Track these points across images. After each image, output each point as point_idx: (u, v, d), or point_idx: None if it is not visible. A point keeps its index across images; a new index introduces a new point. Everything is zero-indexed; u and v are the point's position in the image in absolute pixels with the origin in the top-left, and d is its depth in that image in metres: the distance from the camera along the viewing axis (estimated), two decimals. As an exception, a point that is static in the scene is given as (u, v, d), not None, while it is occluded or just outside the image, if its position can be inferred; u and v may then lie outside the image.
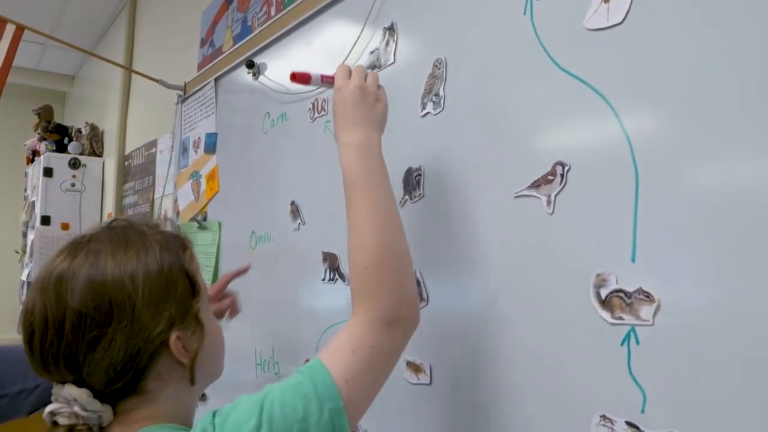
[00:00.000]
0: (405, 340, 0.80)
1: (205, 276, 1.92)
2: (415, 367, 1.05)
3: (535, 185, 0.86)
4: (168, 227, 0.83)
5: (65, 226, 3.37)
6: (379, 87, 0.96)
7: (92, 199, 3.54)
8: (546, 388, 0.83)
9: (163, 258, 0.76)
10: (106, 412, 0.73)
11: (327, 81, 1.03)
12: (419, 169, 1.09)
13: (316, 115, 1.43)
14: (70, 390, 0.72)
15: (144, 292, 0.73)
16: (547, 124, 0.86)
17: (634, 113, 0.75)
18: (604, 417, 0.75)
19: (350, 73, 0.95)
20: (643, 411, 0.71)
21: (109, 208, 3.38)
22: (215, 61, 2.07)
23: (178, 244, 0.81)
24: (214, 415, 0.69)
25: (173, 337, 0.74)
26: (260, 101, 1.71)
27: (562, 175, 0.83)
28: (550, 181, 0.84)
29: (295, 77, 1.03)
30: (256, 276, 1.64)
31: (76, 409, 0.71)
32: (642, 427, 0.71)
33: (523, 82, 0.90)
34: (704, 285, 0.66)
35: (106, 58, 2.76)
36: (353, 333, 0.76)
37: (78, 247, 0.76)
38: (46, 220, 3.36)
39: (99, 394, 0.73)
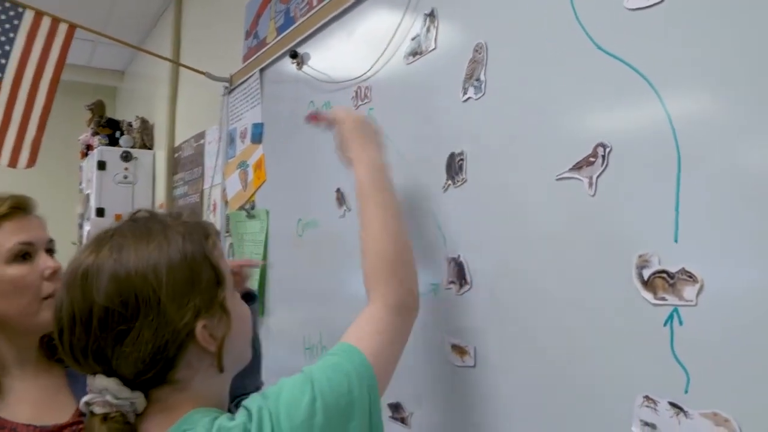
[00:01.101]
0: (410, 326, 0.94)
1: (254, 263, 1.97)
2: (459, 350, 1.07)
3: (577, 167, 0.87)
4: (189, 215, 0.85)
5: (119, 217, 3.46)
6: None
7: (144, 190, 3.64)
8: (589, 369, 0.83)
9: (186, 248, 0.78)
10: (138, 399, 0.75)
11: (311, 119, 1.21)
12: (461, 153, 1.09)
13: (359, 102, 1.44)
14: (101, 380, 0.74)
15: (168, 284, 0.74)
16: (588, 105, 0.86)
17: (677, 93, 0.75)
18: (647, 398, 0.75)
19: (346, 111, 1.14)
20: (686, 391, 0.71)
21: (161, 198, 3.47)
22: (260, 53, 2.10)
23: (201, 232, 0.82)
24: (262, 396, 0.73)
25: (199, 326, 0.75)
26: (304, 91, 1.74)
27: (603, 157, 0.83)
28: (592, 163, 0.84)
29: (314, 118, 1.20)
30: (304, 262, 1.67)
31: (108, 397, 0.74)
32: (685, 408, 0.71)
33: (564, 64, 0.90)
34: (748, 265, 0.66)
35: (154, 53, 2.83)
36: (373, 317, 0.88)
37: (102, 241, 0.78)
38: (100, 212, 3.47)
39: (129, 383, 0.75)
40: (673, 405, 0.72)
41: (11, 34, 2.04)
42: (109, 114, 4.32)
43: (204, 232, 0.82)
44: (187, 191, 3.03)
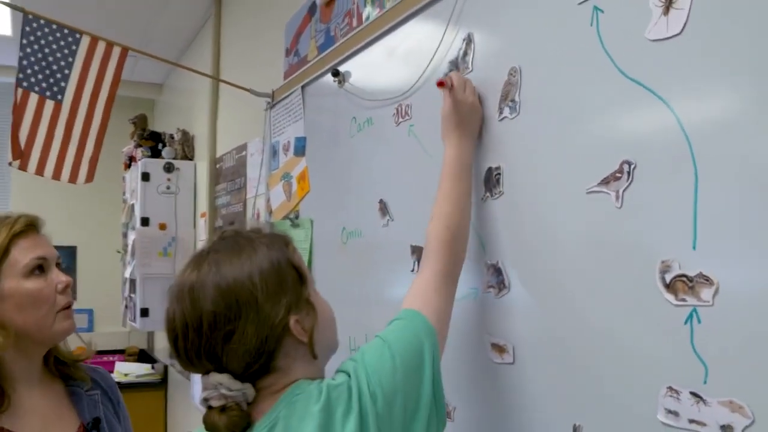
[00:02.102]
0: (455, 293, 1.11)
1: (299, 269, 2.09)
2: (499, 348, 1.17)
3: (605, 182, 0.96)
4: (267, 228, 1.00)
5: (162, 226, 3.63)
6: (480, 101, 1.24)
7: (186, 200, 3.80)
8: (618, 364, 0.93)
9: (272, 256, 0.93)
10: (248, 389, 0.89)
11: (438, 84, 1.21)
12: (498, 168, 1.19)
13: (400, 119, 1.55)
14: (215, 377, 0.88)
15: (263, 287, 0.89)
16: (613, 126, 0.96)
17: (693, 115, 0.84)
18: (670, 388, 0.84)
19: (465, 86, 1.22)
20: (705, 382, 0.80)
21: (202, 208, 3.62)
22: (301, 70, 2.22)
23: (282, 241, 0.97)
24: (352, 360, 0.93)
25: (292, 320, 0.90)
26: (346, 107, 1.85)
27: (628, 173, 0.92)
28: (618, 178, 0.94)
29: (442, 84, 1.21)
30: (349, 269, 1.78)
31: (223, 391, 0.87)
32: (705, 396, 0.80)
33: (591, 88, 1.00)
34: (758, 270, 0.75)
35: (196, 69, 2.97)
36: (432, 280, 1.07)
37: (201, 259, 0.92)
38: (145, 221, 3.63)
39: (239, 377, 0.88)
40: (693, 394, 0.81)
41: (70, 59, 2.19)
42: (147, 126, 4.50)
43: (284, 241, 0.98)
44: (229, 201, 3.16)
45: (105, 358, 4.36)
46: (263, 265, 0.91)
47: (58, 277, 1.22)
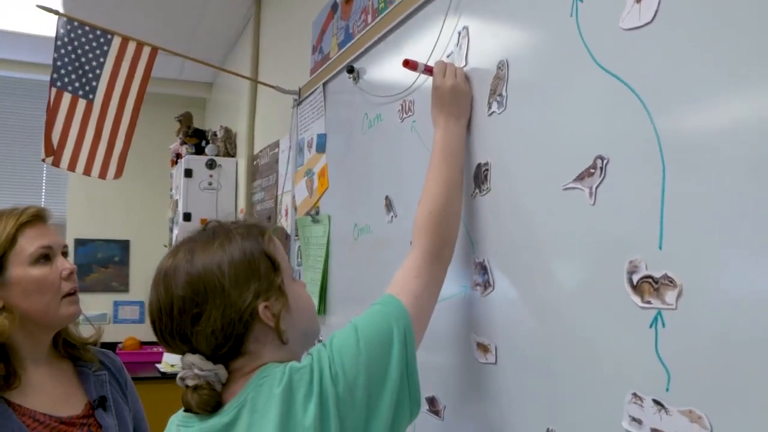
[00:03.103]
0: (444, 274, 1.10)
1: (317, 265, 2.10)
2: (483, 348, 1.14)
3: (580, 178, 0.92)
4: (250, 221, 1.03)
5: (204, 221, 3.69)
6: (467, 80, 1.23)
7: (227, 196, 3.87)
8: (589, 368, 0.89)
9: (245, 245, 0.95)
10: (220, 370, 0.92)
11: (428, 71, 1.28)
12: (487, 164, 1.16)
13: (405, 115, 1.53)
14: (188, 357, 0.92)
15: (230, 274, 0.92)
16: (589, 119, 0.92)
17: (663, 109, 0.79)
18: (635, 395, 0.80)
19: (445, 70, 1.22)
20: (668, 389, 0.76)
21: (242, 204, 3.68)
22: (323, 67, 2.23)
23: (257, 231, 0.99)
24: (321, 344, 0.94)
25: (261, 306, 0.93)
26: (360, 103, 1.84)
27: (601, 168, 0.88)
28: (592, 174, 0.90)
29: (407, 63, 1.29)
30: (359, 264, 1.78)
31: (196, 371, 0.91)
32: (666, 405, 0.76)
33: (570, 81, 0.96)
34: (724, 272, 0.70)
35: (232, 71, 3.02)
36: (414, 263, 1.06)
37: (178, 248, 0.98)
38: (187, 217, 3.72)
39: (211, 358, 0.92)
40: (656, 402, 0.77)
41: (101, 59, 2.25)
42: (198, 124, 4.60)
43: (260, 231, 1.00)
44: (264, 197, 3.20)
45: (153, 349, 4.47)
46: (234, 254, 0.94)
47: (63, 265, 1.27)
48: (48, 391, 1.28)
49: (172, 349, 0.96)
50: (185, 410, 0.95)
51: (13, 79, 5.12)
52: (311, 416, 0.85)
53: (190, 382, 0.91)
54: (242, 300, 0.92)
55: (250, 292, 0.92)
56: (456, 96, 1.20)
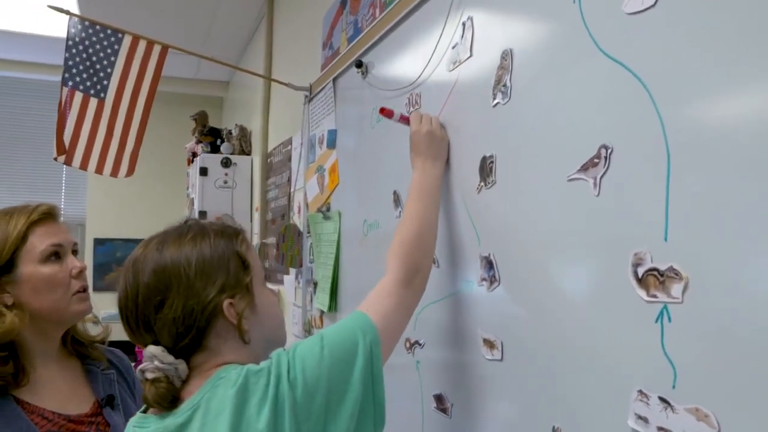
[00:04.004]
0: (415, 300, 1.12)
1: (328, 262, 2.08)
2: (489, 344, 1.11)
3: (584, 168, 0.89)
4: (229, 223, 1.04)
5: (219, 219, 3.71)
6: (442, 127, 1.31)
7: (243, 194, 3.87)
8: (594, 365, 0.86)
9: (217, 243, 0.96)
10: (180, 365, 0.91)
11: (404, 120, 1.37)
12: (492, 156, 1.14)
13: (412, 109, 1.51)
14: (150, 349, 0.91)
15: (197, 266, 0.93)
16: (593, 107, 0.89)
17: (668, 95, 0.76)
18: (640, 392, 0.77)
19: (421, 118, 1.31)
20: (674, 387, 0.73)
21: (257, 202, 3.68)
22: (333, 62, 2.21)
23: (232, 232, 1.00)
24: (283, 350, 0.92)
25: (226, 303, 0.92)
26: (368, 98, 1.82)
27: (605, 158, 0.85)
28: (596, 164, 0.87)
29: (383, 111, 1.39)
30: (369, 260, 1.76)
31: (156, 363, 0.90)
32: (672, 402, 0.73)
33: (573, 68, 0.93)
34: (731, 265, 0.67)
35: (243, 69, 3.01)
36: (385, 286, 1.08)
37: (151, 239, 0.98)
38: (203, 215, 3.73)
39: (172, 351, 0.91)
40: (662, 399, 0.74)
41: (112, 58, 2.25)
42: (216, 123, 4.62)
43: (234, 233, 1.00)
44: (278, 194, 3.20)
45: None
46: (204, 251, 0.95)
47: (73, 263, 1.27)
48: (57, 389, 1.27)
49: (137, 339, 0.95)
50: (143, 411, 0.96)
51: (33, 81, 5.18)
52: (264, 420, 0.83)
53: (149, 375, 0.90)
54: (206, 293, 0.92)
55: (216, 287, 0.93)
56: (432, 140, 1.27)
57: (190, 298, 0.91)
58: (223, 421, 0.84)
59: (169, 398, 0.90)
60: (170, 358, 0.91)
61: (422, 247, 1.14)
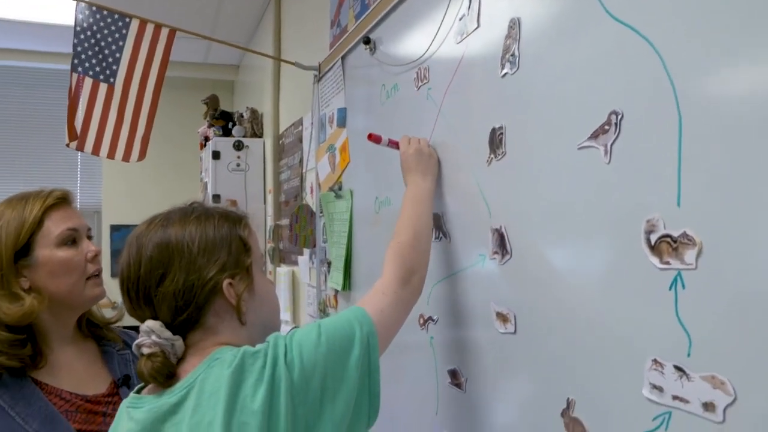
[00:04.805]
0: (411, 301, 1.14)
1: (341, 241, 2.08)
2: (503, 318, 1.10)
3: (594, 135, 0.88)
4: (234, 209, 1.06)
5: (233, 203, 3.72)
6: (429, 146, 1.39)
7: (255, 176, 3.87)
8: (607, 335, 0.85)
9: (221, 224, 0.98)
10: (177, 341, 0.92)
11: (392, 144, 1.45)
12: (501, 128, 1.12)
13: (420, 83, 1.49)
14: (148, 323, 0.92)
15: (200, 244, 0.94)
16: (602, 73, 0.87)
17: (679, 58, 0.74)
18: (655, 361, 0.76)
19: (409, 140, 1.38)
20: (689, 355, 0.72)
21: (270, 184, 3.68)
22: (341, 40, 2.19)
23: (236, 218, 1.02)
24: (280, 334, 0.92)
25: (225, 282, 0.94)
26: (377, 74, 1.80)
27: (616, 124, 0.84)
28: (606, 131, 0.85)
29: (371, 137, 1.45)
30: (381, 237, 1.75)
31: (153, 338, 0.90)
32: (688, 371, 0.72)
33: (581, 33, 0.91)
34: (745, 229, 0.66)
35: (251, 49, 2.99)
36: (382, 284, 1.10)
37: (155, 218, 1.00)
38: (216, 198, 3.73)
39: (170, 327, 0.92)
40: (677, 368, 0.73)
41: (120, 43, 2.25)
42: (227, 106, 4.61)
43: (238, 218, 1.01)
44: (290, 176, 3.19)
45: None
46: (208, 230, 0.96)
47: (88, 247, 1.28)
48: (74, 370, 1.29)
49: (136, 313, 0.97)
50: (136, 392, 0.97)
51: (47, 70, 5.20)
52: (260, 400, 0.84)
53: (146, 350, 0.91)
54: (207, 270, 0.93)
55: (216, 265, 0.94)
56: (420, 157, 1.34)
57: (191, 273, 0.92)
58: (218, 401, 0.84)
59: (165, 372, 0.90)
60: (168, 333, 0.92)
61: (418, 248, 1.19)
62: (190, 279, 0.92)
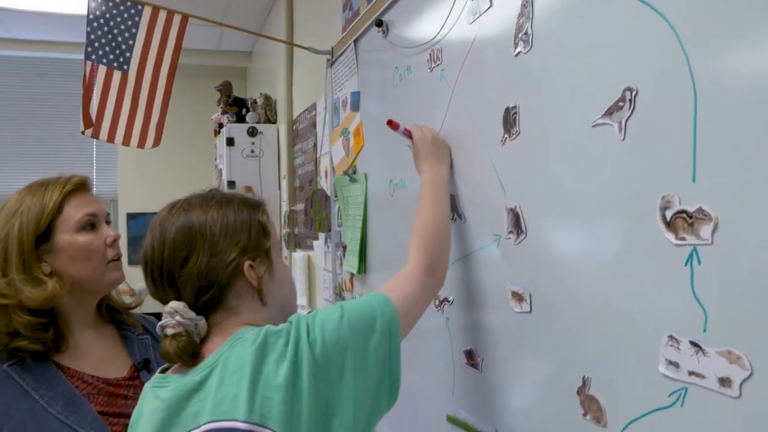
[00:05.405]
0: (433, 290, 1.16)
1: (356, 225, 2.09)
2: (518, 297, 1.11)
3: (608, 113, 0.87)
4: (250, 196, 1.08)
5: (248, 189, 3.74)
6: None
7: (270, 162, 3.88)
8: (621, 311, 0.85)
9: (241, 210, 1.01)
10: (200, 321, 0.95)
11: (406, 132, 1.44)
12: (515, 107, 1.12)
13: (433, 64, 1.48)
14: (172, 304, 0.94)
15: (221, 227, 0.97)
16: (617, 50, 0.86)
17: (694, 32, 0.74)
18: (671, 337, 0.76)
19: (422, 129, 1.39)
20: (705, 330, 0.72)
21: (285, 170, 3.68)
22: (354, 23, 2.18)
23: (255, 203, 1.05)
24: (303, 315, 0.95)
25: (246, 264, 0.97)
26: (390, 57, 1.80)
27: (630, 101, 0.83)
28: (621, 108, 0.85)
29: (390, 123, 1.44)
30: (396, 220, 1.76)
31: (177, 318, 0.93)
32: (704, 346, 0.72)
33: (595, 9, 0.90)
34: (762, 202, 0.65)
35: (264, 35, 2.99)
36: (407, 272, 1.12)
37: (176, 203, 1.02)
38: (232, 185, 3.75)
39: (193, 308, 0.95)
40: (693, 344, 0.73)
41: (133, 30, 2.26)
42: (240, 93, 4.62)
43: (256, 203, 1.04)
44: (304, 161, 3.20)
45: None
46: (228, 215, 0.99)
47: (107, 232, 1.30)
48: (95, 354, 1.31)
49: (159, 294, 0.99)
50: (161, 372, 1.00)
51: (63, 60, 5.23)
52: (283, 375, 0.86)
53: (170, 331, 0.94)
54: (229, 252, 0.96)
55: (238, 248, 0.97)
56: (435, 145, 1.35)
57: (213, 255, 0.95)
58: (242, 378, 0.86)
59: (189, 351, 0.93)
60: (191, 314, 0.94)
61: (441, 237, 1.20)
62: (213, 260, 0.95)
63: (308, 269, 3.21)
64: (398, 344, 0.98)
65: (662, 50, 0.78)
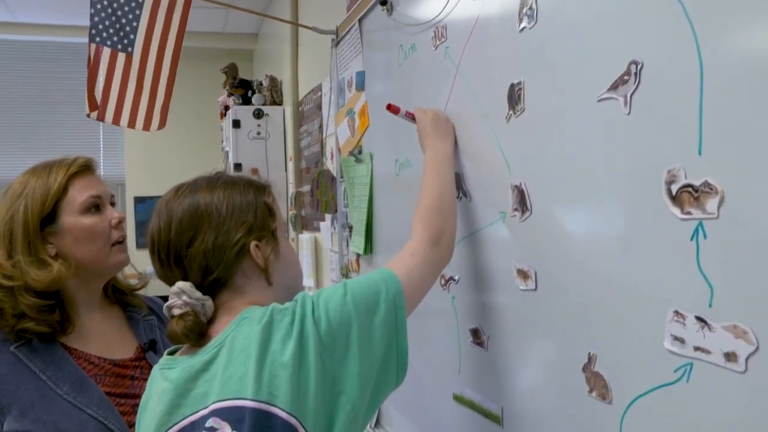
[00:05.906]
0: (440, 262, 1.15)
1: (362, 205, 2.08)
2: (523, 275, 1.10)
3: (614, 87, 0.86)
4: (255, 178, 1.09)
5: (254, 171, 3.74)
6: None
7: (276, 144, 3.88)
8: (626, 287, 0.85)
9: (247, 191, 1.02)
10: (207, 301, 0.95)
11: (409, 115, 1.44)
12: (520, 83, 1.10)
13: (438, 42, 1.47)
14: (179, 284, 0.94)
15: (228, 208, 0.98)
16: (622, 23, 0.85)
17: (699, 2, 0.72)
18: (677, 312, 0.76)
19: (425, 110, 1.39)
20: (710, 305, 0.71)
21: (291, 151, 3.68)
22: (358, 3, 2.16)
23: (261, 186, 1.06)
24: (308, 293, 0.95)
25: (253, 244, 0.98)
26: (395, 35, 1.78)
27: (635, 74, 0.82)
28: (626, 81, 0.83)
29: (390, 107, 1.45)
30: (402, 200, 1.75)
31: (184, 298, 0.93)
32: (710, 321, 0.71)
33: (601, -17, 0.89)
34: (765, 175, 0.64)
35: (268, 15, 2.97)
36: (411, 246, 1.11)
37: (182, 185, 1.03)
38: (238, 167, 3.76)
39: (200, 288, 0.95)
40: (699, 319, 0.73)
41: (137, 12, 2.25)
42: (247, 75, 4.60)
43: (262, 186, 1.05)
44: (310, 142, 3.19)
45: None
46: (234, 196, 1.00)
47: (111, 213, 1.30)
48: (101, 335, 1.31)
49: (165, 274, 0.99)
50: (169, 354, 1.00)
51: (68, 44, 5.23)
52: (289, 353, 0.87)
53: (177, 311, 0.94)
54: (235, 232, 0.97)
55: (244, 228, 0.98)
56: (437, 123, 1.34)
57: (220, 235, 0.96)
58: (249, 356, 0.86)
59: (197, 330, 0.93)
60: (198, 294, 0.94)
61: (444, 209, 1.19)
62: (219, 240, 0.96)
63: (315, 250, 3.22)
64: (404, 319, 0.98)
65: (668, 22, 0.76)
